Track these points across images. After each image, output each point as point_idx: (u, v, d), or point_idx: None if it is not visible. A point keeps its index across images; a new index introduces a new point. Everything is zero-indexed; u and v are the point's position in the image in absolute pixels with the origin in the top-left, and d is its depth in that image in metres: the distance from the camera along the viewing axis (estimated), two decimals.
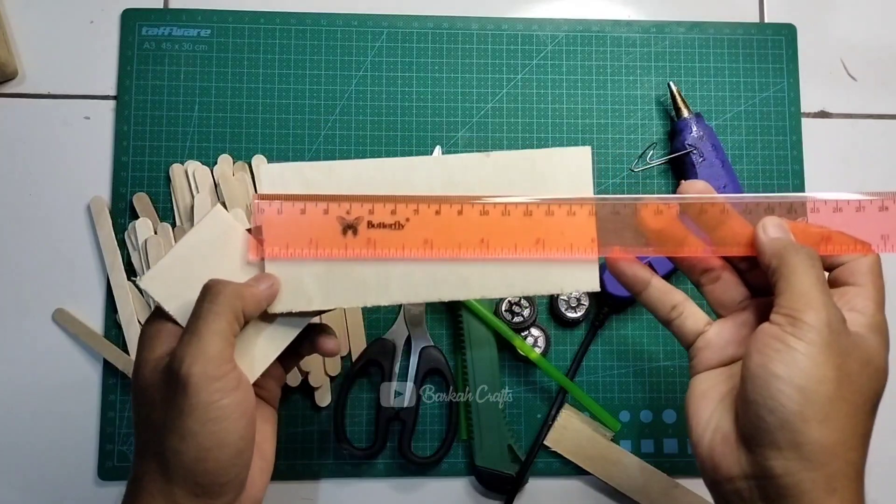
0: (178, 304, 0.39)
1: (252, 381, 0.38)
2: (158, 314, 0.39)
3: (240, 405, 0.36)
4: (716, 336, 0.39)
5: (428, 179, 0.40)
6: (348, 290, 0.40)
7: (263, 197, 0.39)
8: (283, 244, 0.39)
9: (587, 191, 0.40)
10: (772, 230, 0.36)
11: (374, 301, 0.40)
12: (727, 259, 0.39)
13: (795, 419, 0.32)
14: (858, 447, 0.35)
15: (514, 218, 0.39)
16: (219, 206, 0.41)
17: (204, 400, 0.35)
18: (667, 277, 0.56)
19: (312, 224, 0.39)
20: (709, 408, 0.37)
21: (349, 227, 0.40)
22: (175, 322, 0.38)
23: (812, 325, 0.32)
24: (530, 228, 0.39)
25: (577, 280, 0.40)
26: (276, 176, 0.40)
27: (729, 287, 0.39)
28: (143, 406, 0.37)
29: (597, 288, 0.40)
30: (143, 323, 0.39)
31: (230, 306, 0.36)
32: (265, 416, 0.42)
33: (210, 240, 0.40)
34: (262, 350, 0.40)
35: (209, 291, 0.37)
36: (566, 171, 0.40)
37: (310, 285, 0.40)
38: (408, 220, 0.40)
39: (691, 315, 0.40)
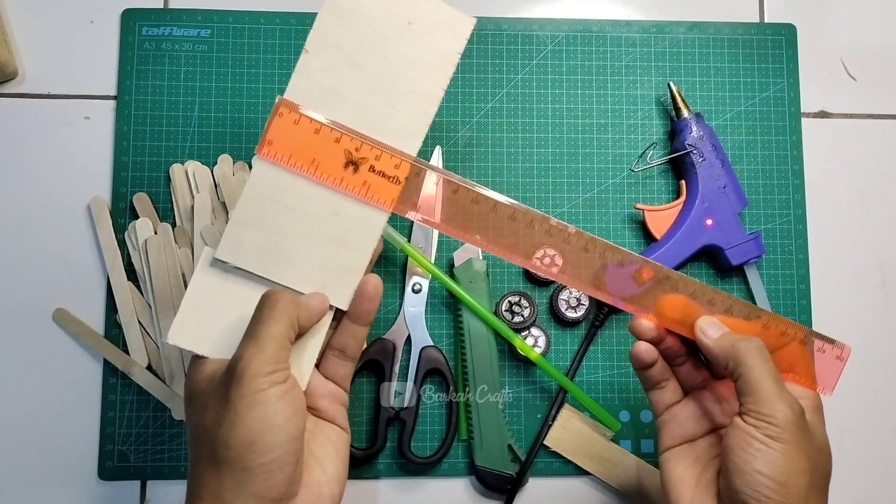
0: (209, 344, 0.41)
1: (303, 386, 0.41)
2: (197, 356, 0.41)
3: (287, 393, 0.38)
4: (680, 411, 0.45)
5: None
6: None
7: (288, 104, 0.41)
8: (287, 154, 0.41)
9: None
10: (711, 331, 0.42)
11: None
12: (689, 343, 0.44)
13: None
14: None
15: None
16: (207, 248, 0.43)
17: (254, 388, 0.37)
18: None
19: (321, 146, 0.41)
20: (688, 493, 0.42)
21: (352, 163, 0.42)
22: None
23: (783, 427, 0.37)
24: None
25: None
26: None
27: (691, 370, 0.45)
28: (196, 413, 0.39)
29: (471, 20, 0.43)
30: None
31: (286, 313, 0.39)
32: (327, 434, 0.43)
33: (212, 280, 0.42)
34: (305, 355, 0.42)
35: (268, 300, 0.39)
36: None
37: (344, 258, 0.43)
38: (407, 179, 0.42)
39: (671, 389, 0.45)
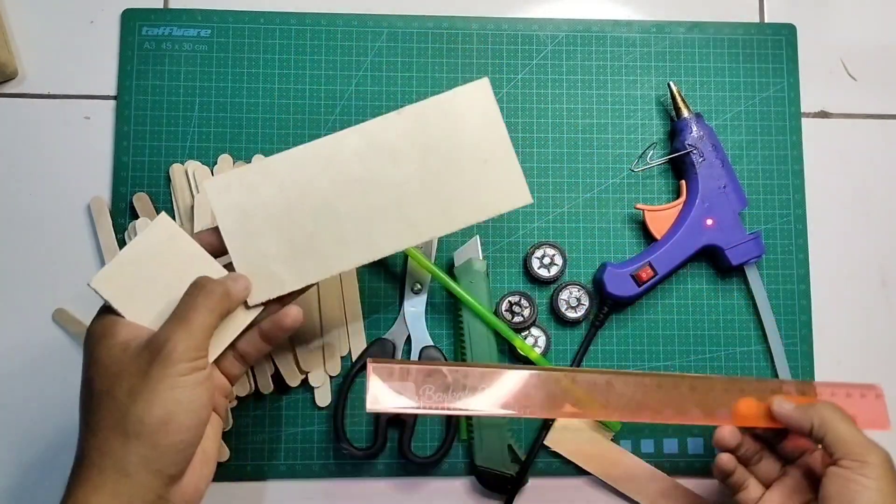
0: (128, 303, 0.42)
1: (210, 360, 0.42)
2: (108, 311, 0.42)
3: (206, 380, 0.40)
4: (769, 501, 0.48)
5: (356, 150, 0.44)
6: (314, 264, 0.44)
7: (377, 363, 0.45)
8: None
9: (498, 122, 0.45)
10: (787, 406, 0.47)
11: (338, 268, 0.44)
12: (759, 439, 0.50)
13: None
14: None
15: None
16: (164, 214, 0.44)
17: (179, 370, 0.38)
18: (668, 275, 0.56)
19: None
20: None
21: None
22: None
23: (876, 465, 0.43)
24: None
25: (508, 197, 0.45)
26: (223, 188, 0.44)
27: (769, 464, 0.49)
28: (105, 379, 0.40)
29: (528, 199, 0.45)
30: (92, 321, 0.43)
31: (220, 305, 0.41)
32: (212, 419, 0.43)
33: (157, 245, 0.43)
34: (217, 343, 0.43)
35: (203, 288, 0.41)
36: (474, 108, 0.44)
37: (279, 270, 0.43)
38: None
39: (753, 485, 0.49)
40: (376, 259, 0.44)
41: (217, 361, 0.44)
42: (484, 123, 0.44)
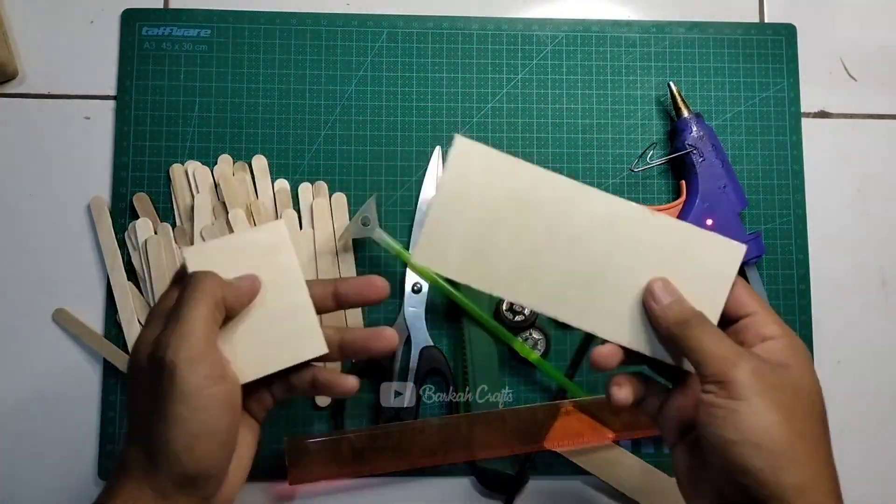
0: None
1: (242, 381, 0.39)
2: (178, 281, 0.40)
3: (228, 395, 0.37)
4: (669, 406, 0.41)
5: (591, 216, 0.42)
6: (483, 272, 0.41)
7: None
8: None
9: (724, 290, 0.41)
10: (662, 296, 0.39)
11: (500, 292, 0.41)
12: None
13: (766, 474, 0.33)
14: (829, 473, 0.36)
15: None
16: (282, 222, 0.43)
17: (193, 387, 0.36)
18: None
19: None
20: (692, 485, 0.39)
21: None
22: None
23: (741, 381, 0.34)
24: None
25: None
26: (464, 154, 0.41)
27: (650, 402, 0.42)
28: (134, 388, 0.38)
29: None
30: (144, 321, 0.40)
31: (211, 293, 0.38)
32: (248, 425, 0.42)
33: (262, 245, 0.42)
34: (263, 359, 0.41)
35: (192, 280, 0.38)
36: (710, 260, 0.41)
37: (453, 252, 0.41)
38: None
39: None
40: (534, 310, 0.43)
41: (271, 388, 0.42)
42: (708, 285, 0.41)
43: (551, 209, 0.41)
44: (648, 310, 0.40)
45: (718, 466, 0.36)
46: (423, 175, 0.58)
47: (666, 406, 0.41)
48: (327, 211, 0.57)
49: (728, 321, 0.40)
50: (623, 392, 0.41)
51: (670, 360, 0.41)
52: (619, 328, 0.41)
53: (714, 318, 0.40)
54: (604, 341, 0.41)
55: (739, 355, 0.36)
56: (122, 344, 0.55)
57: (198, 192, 0.56)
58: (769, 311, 0.40)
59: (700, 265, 0.41)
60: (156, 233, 0.55)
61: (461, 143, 0.41)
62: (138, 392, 0.38)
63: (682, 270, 0.41)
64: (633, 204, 0.42)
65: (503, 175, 0.41)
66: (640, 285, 0.41)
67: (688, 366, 0.39)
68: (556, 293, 0.41)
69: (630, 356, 0.41)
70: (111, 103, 0.58)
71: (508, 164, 0.41)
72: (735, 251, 0.41)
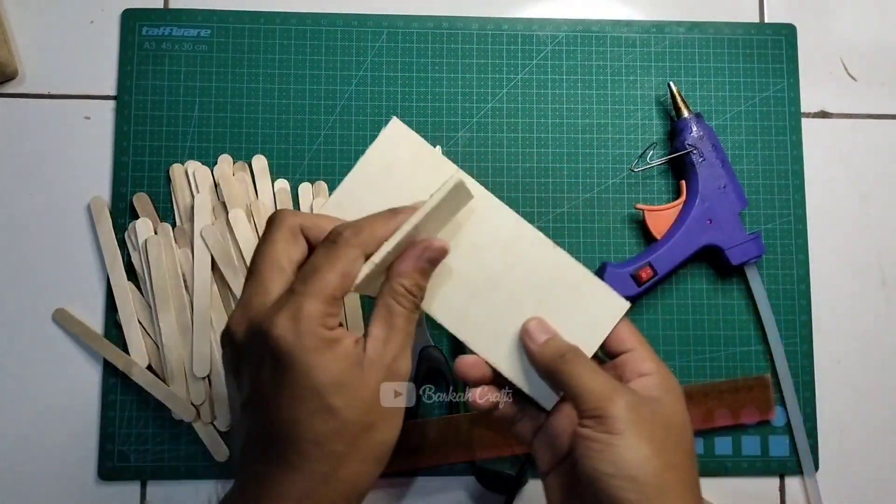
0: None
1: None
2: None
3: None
4: (543, 434, 0.42)
5: (496, 230, 0.42)
6: (442, 307, 0.41)
7: None
8: None
9: (598, 338, 0.41)
10: (537, 335, 0.40)
11: (449, 326, 0.42)
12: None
13: None
14: (696, 501, 0.38)
15: None
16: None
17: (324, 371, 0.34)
18: (668, 275, 0.56)
19: None
20: None
21: None
22: None
23: (617, 416, 0.36)
24: None
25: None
26: (395, 135, 0.42)
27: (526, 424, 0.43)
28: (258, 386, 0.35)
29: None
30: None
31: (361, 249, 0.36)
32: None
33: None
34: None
35: (332, 239, 0.36)
36: (596, 309, 0.41)
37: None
38: None
39: (527, 418, 0.43)
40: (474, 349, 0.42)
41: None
42: (583, 330, 0.41)
43: (462, 212, 0.41)
44: (525, 348, 0.41)
45: (592, 497, 0.36)
46: None
47: (540, 432, 0.42)
48: None
49: (608, 355, 0.41)
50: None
51: (535, 394, 0.41)
52: (494, 349, 0.41)
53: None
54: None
55: (615, 390, 0.37)
56: (122, 344, 0.55)
57: (198, 192, 0.56)
58: (647, 347, 0.41)
59: (584, 309, 0.42)
60: (156, 233, 0.55)
61: (395, 124, 0.42)
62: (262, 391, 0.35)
63: (567, 309, 0.42)
64: (539, 233, 0.42)
65: (427, 167, 0.41)
66: (525, 314, 0.41)
67: (546, 401, 0.41)
68: (444, 294, 0.41)
69: (499, 378, 0.42)
70: (111, 103, 0.58)
71: (434, 158, 0.42)
72: (618, 307, 0.42)
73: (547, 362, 0.39)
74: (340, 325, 0.36)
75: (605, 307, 0.42)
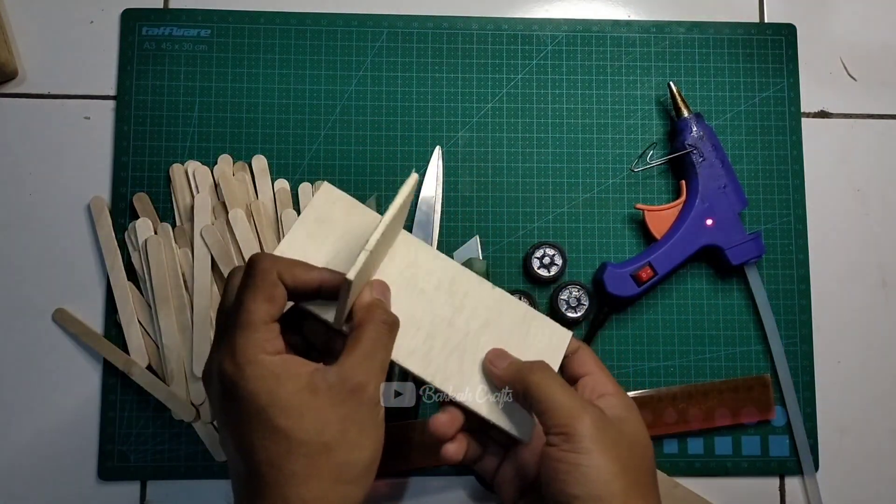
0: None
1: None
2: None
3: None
4: (506, 469, 0.43)
5: (431, 274, 0.43)
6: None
7: None
8: None
9: (554, 364, 0.43)
10: (498, 361, 0.41)
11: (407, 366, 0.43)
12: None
13: None
14: None
15: None
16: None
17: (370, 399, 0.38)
18: (668, 275, 0.56)
19: None
20: None
21: None
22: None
23: (584, 434, 0.36)
24: None
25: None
26: (327, 196, 0.43)
27: (490, 460, 0.44)
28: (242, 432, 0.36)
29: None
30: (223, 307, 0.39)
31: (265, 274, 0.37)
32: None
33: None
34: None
35: (248, 271, 0.37)
36: (544, 341, 0.44)
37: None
38: None
39: (491, 455, 0.45)
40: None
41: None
42: (538, 354, 0.43)
43: (401, 260, 0.43)
44: (490, 375, 0.41)
45: None
46: (423, 175, 0.58)
47: (504, 465, 0.43)
48: None
49: (569, 380, 0.42)
50: (453, 447, 0.42)
51: (511, 427, 0.41)
52: (463, 386, 0.42)
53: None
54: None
55: (583, 407, 0.37)
56: (122, 344, 0.55)
57: (198, 192, 0.56)
58: (605, 371, 0.43)
59: (535, 338, 0.44)
60: (156, 233, 0.55)
61: (326, 188, 0.43)
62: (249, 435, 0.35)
63: (519, 340, 0.43)
64: (473, 274, 0.44)
65: (362, 222, 0.43)
66: (483, 348, 0.43)
67: (523, 433, 0.41)
68: (403, 339, 0.42)
69: (469, 421, 0.42)
70: (111, 103, 0.58)
71: (366, 213, 0.43)
72: (563, 337, 0.44)
73: (513, 376, 0.40)
74: (291, 348, 0.37)
75: (553, 337, 0.44)
